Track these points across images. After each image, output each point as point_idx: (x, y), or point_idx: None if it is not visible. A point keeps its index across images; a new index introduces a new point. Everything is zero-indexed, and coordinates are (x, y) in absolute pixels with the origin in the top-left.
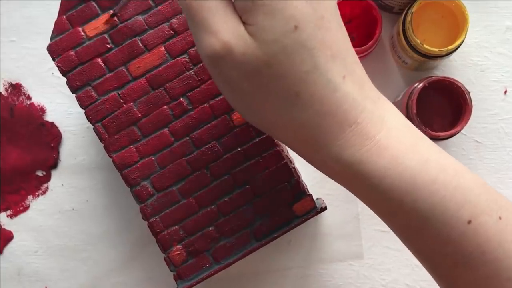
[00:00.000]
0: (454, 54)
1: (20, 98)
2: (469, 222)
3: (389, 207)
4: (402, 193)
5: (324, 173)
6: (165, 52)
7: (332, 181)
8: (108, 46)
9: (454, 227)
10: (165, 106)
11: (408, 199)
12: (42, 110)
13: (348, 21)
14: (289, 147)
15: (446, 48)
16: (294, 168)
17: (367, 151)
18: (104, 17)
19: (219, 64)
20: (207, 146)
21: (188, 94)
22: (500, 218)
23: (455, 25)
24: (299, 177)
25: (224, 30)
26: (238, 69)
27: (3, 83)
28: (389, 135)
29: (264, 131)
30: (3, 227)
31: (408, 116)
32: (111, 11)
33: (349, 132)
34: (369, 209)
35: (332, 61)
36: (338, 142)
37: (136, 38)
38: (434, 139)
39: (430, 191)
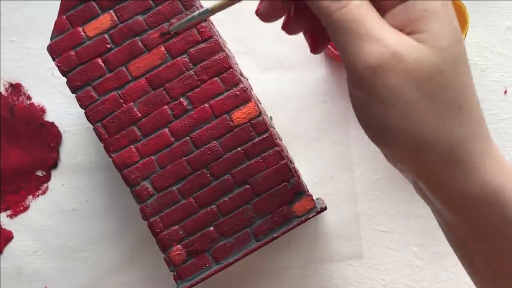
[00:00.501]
0: None
1: (20, 98)
2: None
3: None
4: None
5: (450, 203)
6: (165, 52)
7: (333, 181)
8: (108, 46)
9: None
10: (165, 106)
11: None
12: (42, 110)
13: None
14: (425, 171)
15: None
16: (294, 168)
17: (507, 176)
18: (104, 17)
19: (385, 72)
20: (207, 146)
21: (188, 94)
22: None
23: None
24: (299, 177)
25: (391, 38)
26: (409, 76)
27: (3, 83)
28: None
29: (403, 150)
30: (3, 227)
31: None
32: (166, 28)
33: (492, 156)
34: (369, 209)
35: (471, 81)
36: (486, 164)
37: (136, 38)
38: None
39: None
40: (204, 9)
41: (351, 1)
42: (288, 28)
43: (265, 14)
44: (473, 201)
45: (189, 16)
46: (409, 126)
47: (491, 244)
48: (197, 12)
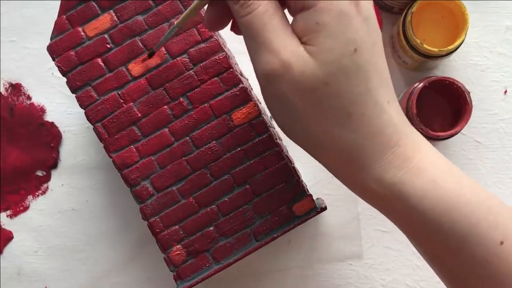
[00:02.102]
0: (454, 54)
1: (20, 98)
2: (502, 243)
3: (427, 228)
4: (440, 214)
5: (361, 196)
6: (165, 52)
7: (333, 181)
8: (108, 46)
9: (488, 248)
10: (165, 106)
11: (446, 219)
12: (42, 110)
13: None
14: (328, 168)
15: (446, 48)
16: (294, 168)
17: (406, 172)
18: (104, 17)
19: (276, 81)
20: (207, 146)
21: (188, 94)
22: None
23: (455, 25)
24: (299, 177)
25: (284, 49)
26: (295, 87)
27: (3, 83)
28: (425, 159)
29: (306, 150)
30: (3, 227)
31: (408, 116)
32: (149, 50)
33: (391, 154)
34: (369, 209)
35: (380, 85)
36: (381, 163)
37: (136, 38)
38: (434, 139)
39: (466, 212)
40: (173, 25)
41: (256, 9)
42: (235, 29)
43: (210, 23)
44: (375, 197)
45: (164, 35)
46: (300, 131)
47: (411, 236)
48: (168, 30)
